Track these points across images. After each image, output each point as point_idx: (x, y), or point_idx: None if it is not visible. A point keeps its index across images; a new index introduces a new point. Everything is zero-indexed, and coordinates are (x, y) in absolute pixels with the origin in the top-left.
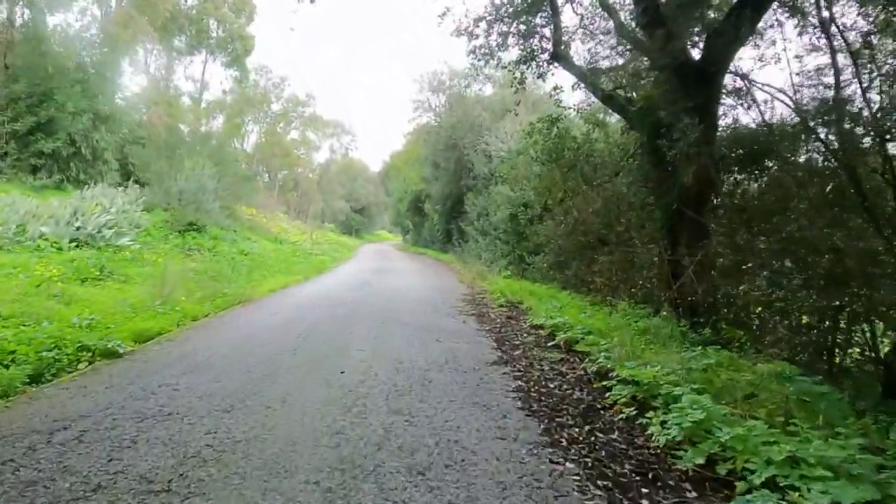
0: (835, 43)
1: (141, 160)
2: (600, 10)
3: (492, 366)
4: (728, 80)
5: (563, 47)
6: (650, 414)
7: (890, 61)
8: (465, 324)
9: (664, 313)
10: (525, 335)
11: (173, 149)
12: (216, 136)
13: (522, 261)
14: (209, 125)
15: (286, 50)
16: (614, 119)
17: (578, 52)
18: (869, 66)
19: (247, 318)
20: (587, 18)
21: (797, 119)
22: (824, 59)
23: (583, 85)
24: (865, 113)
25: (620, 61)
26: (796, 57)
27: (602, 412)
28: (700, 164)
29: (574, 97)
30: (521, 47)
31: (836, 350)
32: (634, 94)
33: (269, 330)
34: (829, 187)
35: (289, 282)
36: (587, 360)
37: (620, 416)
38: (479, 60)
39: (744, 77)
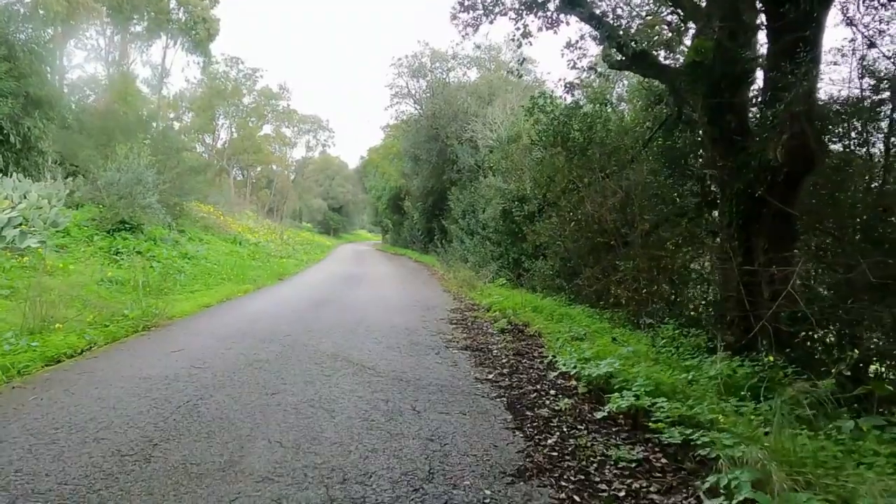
0: None
1: (68, 148)
2: None
3: (515, 485)
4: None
5: None
6: None
7: None
8: (456, 366)
9: (755, 354)
10: (552, 391)
11: (109, 134)
12: (156, 117)
13: (518, 265)
14: (179, 119)
15: (259, 40)
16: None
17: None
18: None
19: (115, 369)
20: None
21: None
22: None
23: (598, 44)
24: None
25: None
26: None
27: None
28: (794, 132)
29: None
30: None
31: None
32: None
33: (123, 405)
34: None
35: (233, 293)
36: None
37: None
38: (466, 27)
39: (850, 23)
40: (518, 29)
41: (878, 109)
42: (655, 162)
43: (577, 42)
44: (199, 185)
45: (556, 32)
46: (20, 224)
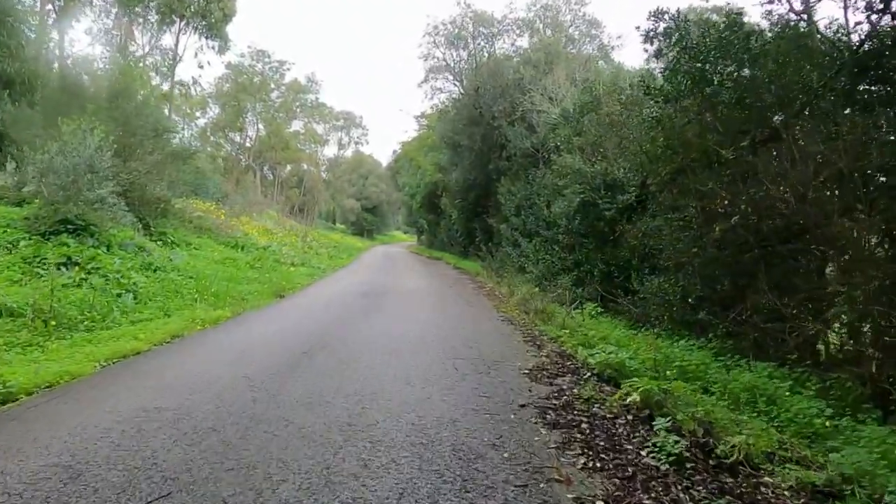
0: None
1: (11, 125)
2: None
3: None
4: None
5: None
6: None
7: None
8: None
9: None
10: None
11: (65, 107)
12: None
13: (610, 281)
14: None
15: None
16: None
17: None
18: None
19: None
20: None
21: None
22: None
23: None
24: None
25: None
26: None
27: None
28: None
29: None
30: None
31: None
32: None
33: None
34: None
35: (190, 326)
36: None
37: None
38: None
39: None
40: None
41: None
42: None
43: None
44: (185, 175)
45: None
46: None
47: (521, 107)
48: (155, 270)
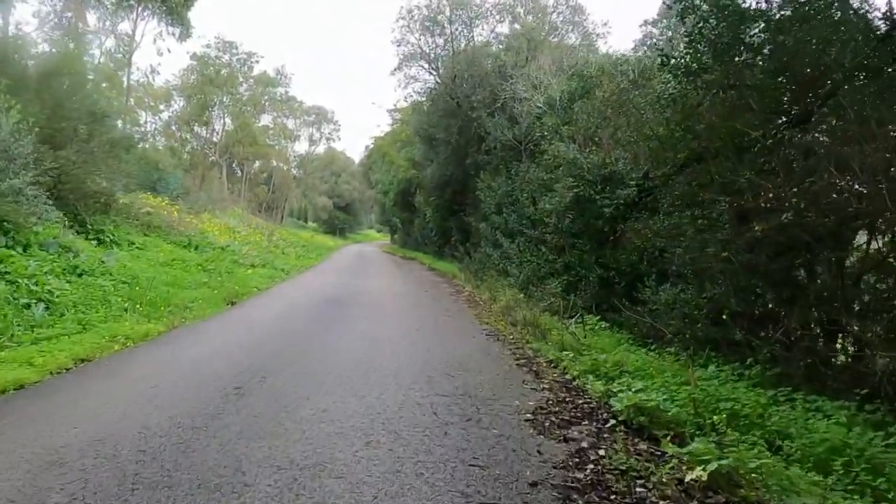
0: None
1: None
2: None
3: None
4: None
5: None
6: None
7: None
8: None
9: None
10: None
11: None
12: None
13: (607, 288)
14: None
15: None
16: None
17: None
18: None
19: None
20: None
21: None
22: None
23: None
24: None
25: None
26: None
27: None
28: None
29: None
30: None
31: None
32: None
33: None
34: None
35: (110, 345)
36: None
37: None
38: None
39: None
40: None
41: None
42: None
43: None
44: (128, 166)
45: None
46: None
47: (503, 95)
48: (81, 275)
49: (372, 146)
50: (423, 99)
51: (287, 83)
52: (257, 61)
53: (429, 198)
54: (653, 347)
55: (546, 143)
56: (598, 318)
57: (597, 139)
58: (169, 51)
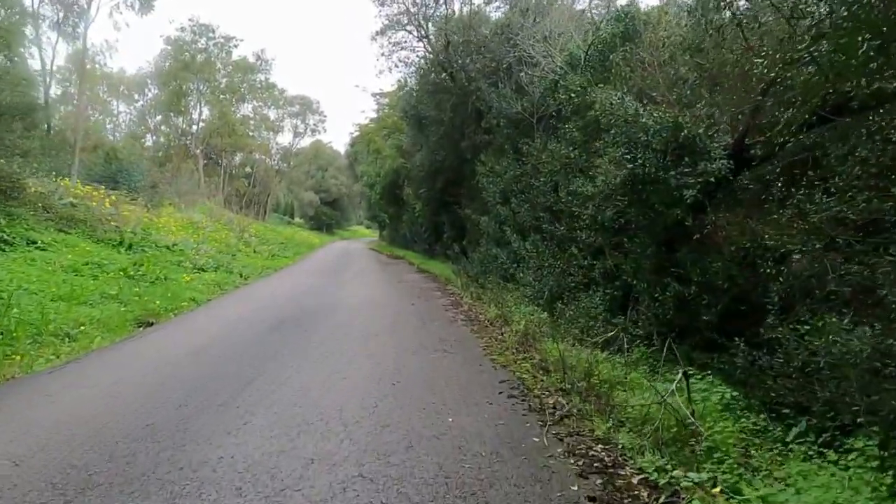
0: None
1: None
2: None
3: None
4: None
5: None
6: None
7: None
8: None
9: None
10: None
11: None
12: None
13: (686, 313)
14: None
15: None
16: None
17: None
18: None
19: None
20: None
21: None
22: None
23: None
24: None
25: None
26: None
27: None
28: None
29: None
30: None
31: None
32: None
33: None
34: None
35: None
36: None
37: None
38: None
39: None
40: None
41: None
42: None
43: None
44: (29, 142)
45: None
46: None
47: (506, 61)
48: None
49: (357, 134)
50: (411, 71)
51: (267, 69)
52: (236, 45)
53: (418, 190)
54: (814, 438)
55: (570, 108)
56: (659, 349)
57: (656, 94)
58: (128, 25)
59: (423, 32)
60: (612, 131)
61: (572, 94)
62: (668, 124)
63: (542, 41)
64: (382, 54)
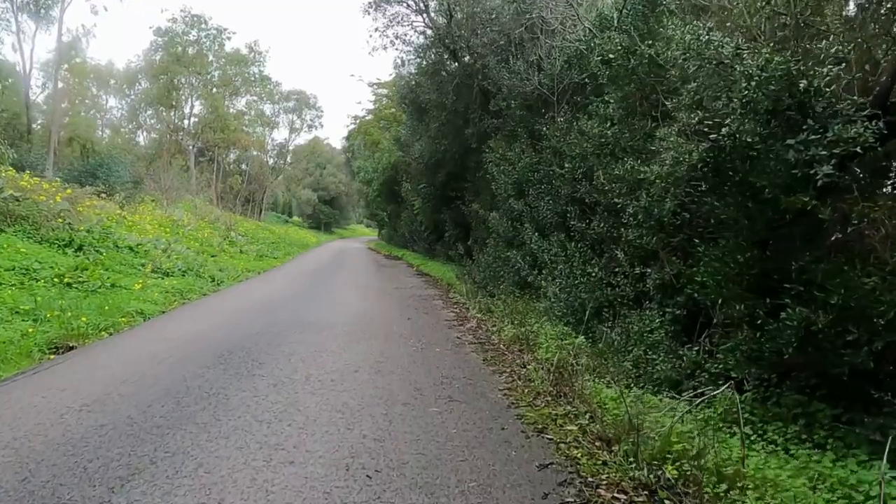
0: None
1: None
2: None
3: None
4: None
5: None
6: None
7: None
8: None
9: None
10: None
11: None
12: None
13: (797, 349)
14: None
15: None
16: None
17: None
18: None
19: None
20: None
21: None
22: None
23: None
24: None
25: None
26: None
27: None
28: None
29: None
30: None
31: None
32: None
33: None
34: None
35: None
36: None
37: None
38: None
39: None
40: None
41: None
42: None
43: None
44: None
45: None
46: None
47: (519, 32)
48: None
49: (353, 127)
50: (408, 51)
51: (261, 61)
52: (229, 38)
53: (417, 185)
54: None
55: (609, 74)
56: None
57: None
58: (106, 9)
59: (422, 5)
60: (693, 84)
61: (611, 57)
62: (780, 71)
63: (565, 3)
64: (376, 29)
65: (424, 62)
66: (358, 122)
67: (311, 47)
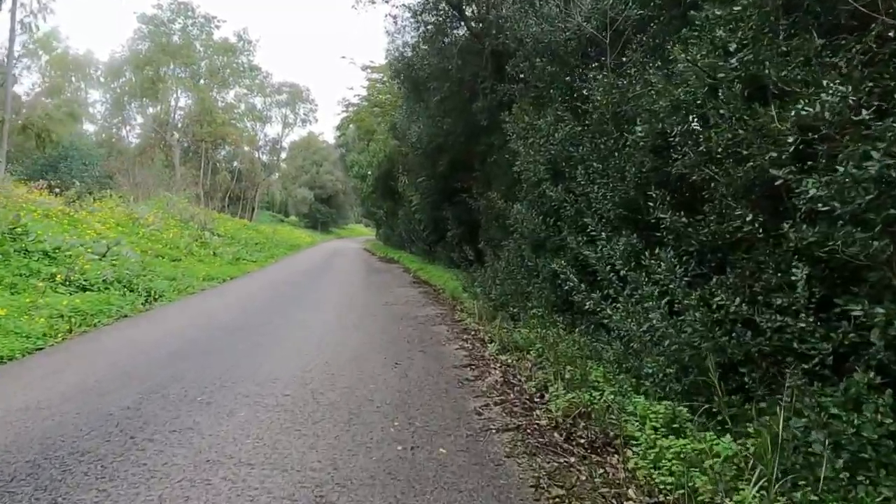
0: None
1: None
2: None
3: None
4: None
5: None
6: None
7: None
8: None
9: None
10: None
11: None
12: None
13: None
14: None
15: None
16: None
17: None
18: None
19: None
20: None
21: None
22: None
23: None
24: None
25: None
26: None
27: None
28: None
29: None
30: None
31: None
32: None
33: None
34: None
35: None
36: None
37: None
38: None
39: None
40: None
41: None
42: None
43: None
44: None
45: None
46: None
47: None
48: None
49: (347, 116)
50: (402, 5)
51: (251, 50)
52: (218, 26)
53: (415, 178)
54: None
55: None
56: None
57: None
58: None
59: None
60: None
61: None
62: None
63: None
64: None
65: (422, 27)
66: (350, 109)
67: (303, 42)
